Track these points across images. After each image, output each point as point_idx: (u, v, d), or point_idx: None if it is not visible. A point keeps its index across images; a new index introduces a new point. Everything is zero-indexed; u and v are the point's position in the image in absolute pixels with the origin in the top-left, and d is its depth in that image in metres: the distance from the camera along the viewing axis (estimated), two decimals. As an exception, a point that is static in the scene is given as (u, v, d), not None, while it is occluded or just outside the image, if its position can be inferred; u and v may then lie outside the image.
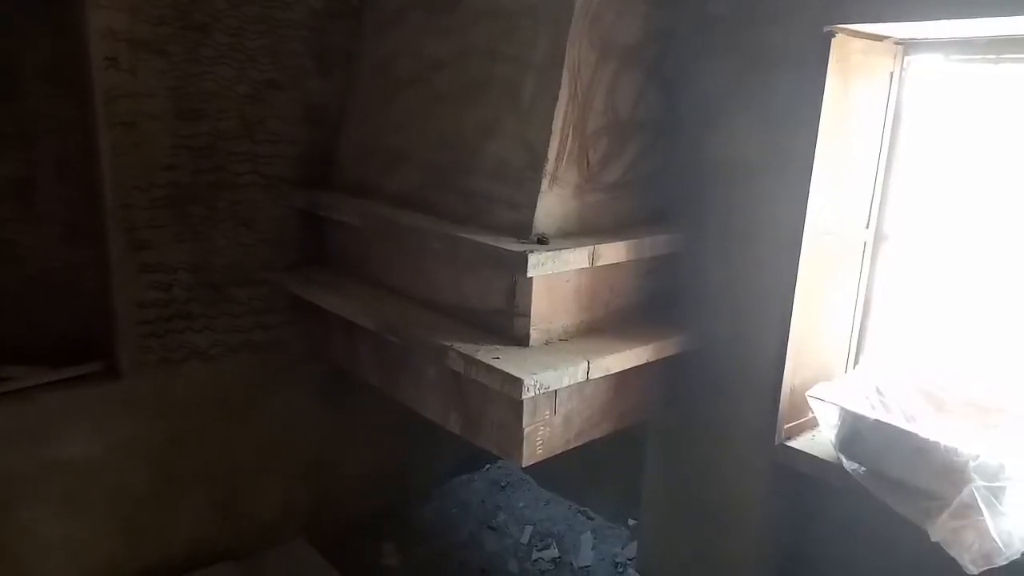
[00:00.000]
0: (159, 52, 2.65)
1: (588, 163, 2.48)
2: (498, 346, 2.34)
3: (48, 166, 2.77)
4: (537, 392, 2.17)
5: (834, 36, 2.22)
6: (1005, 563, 1.96)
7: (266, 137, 2.97)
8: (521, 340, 2.37)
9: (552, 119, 2.35)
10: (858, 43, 2.31)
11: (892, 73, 2.47)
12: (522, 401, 2.20)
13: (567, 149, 2.40)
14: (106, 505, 2.83)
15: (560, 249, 2.28)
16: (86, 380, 2.78)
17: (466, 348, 2.31)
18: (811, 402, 2.41)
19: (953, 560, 2.03)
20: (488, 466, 4.24)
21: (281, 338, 3.19)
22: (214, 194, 2.89)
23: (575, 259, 2.33)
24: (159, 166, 2.73)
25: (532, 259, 2.19)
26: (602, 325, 2.58)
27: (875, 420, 2.26)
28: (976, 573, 1.99)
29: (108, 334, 2.82)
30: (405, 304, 2.73)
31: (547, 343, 2.41)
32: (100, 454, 2.77)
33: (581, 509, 3.84)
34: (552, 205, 2.41)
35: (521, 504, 3.94)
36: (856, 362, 2.73)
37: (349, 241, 3.06)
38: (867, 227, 2.60)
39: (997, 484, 1.97)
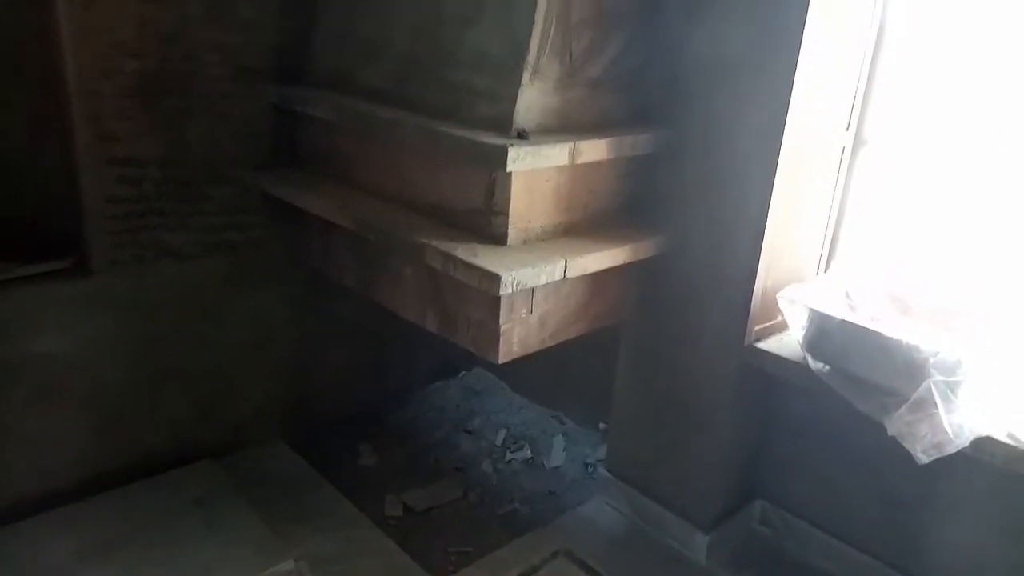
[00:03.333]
0: (120, -74, 2.49)
1: (571, 56, 2.42)
2: (476, 244, 2.33)
3: (6, 48, 2.63)
4: (514, 289, 2.18)
5: (827, -73, 2.15)
6: (953, 451, 2.06)
7: (237, 24, 2.84)
8: (499, 239, 2.36)
9: (535, 7, 2.27)
10: (851, -64, 2.25)
11: (883, -30, 2.42)
12: (499, 298, 2.22)
13: (549, 40, 2.33)
14: (81, 401, 2.82)
15: (540, 144, 2.25)
16: (56, 276, 2.72)
17: (444, 246, 2.30)
18: (781, 304, 2.45)
19: (907, 453, 2.13)
20: (463, 373, 4.31)
21: (256, 239, 3.15)
22: (183, 85, 2.78)
23: (555, 155, 2.31)
24: (125, 51, 2.61)
25: (512, 153, 2.16)
26: (580, 227, 2.58)
27: (841, 320, 2.31)
28: (926, 462, 2.09)
29: (77, 229, 2.76)
30: (382, 203, 2.70)
31: (525, 242, 2.41)
32: (73, 351, 2.75)
33: (554, 414, 3.94)
34: (533, 99, 2.36)
35: (496, 409, 4.02)
36: (828, 267, 2.77)
37: (325, 138, 2.98)
38: (847, 131, 2.59)
39: (954, 379, 2.05)
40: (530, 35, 2.28)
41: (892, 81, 2.55)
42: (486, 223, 2.39)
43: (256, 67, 2.94)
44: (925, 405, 2.07)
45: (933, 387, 2.05)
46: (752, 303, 2.54)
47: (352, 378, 3.78)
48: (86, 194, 2.67)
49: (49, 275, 2.73)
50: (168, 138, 2.80)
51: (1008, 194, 2.40)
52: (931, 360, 2.07)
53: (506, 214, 2.33)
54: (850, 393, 2.29)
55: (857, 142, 2.62)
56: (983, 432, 2.06)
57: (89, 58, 2.54)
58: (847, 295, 2.54)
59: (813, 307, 2.38)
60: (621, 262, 2.53)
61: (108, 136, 2.66)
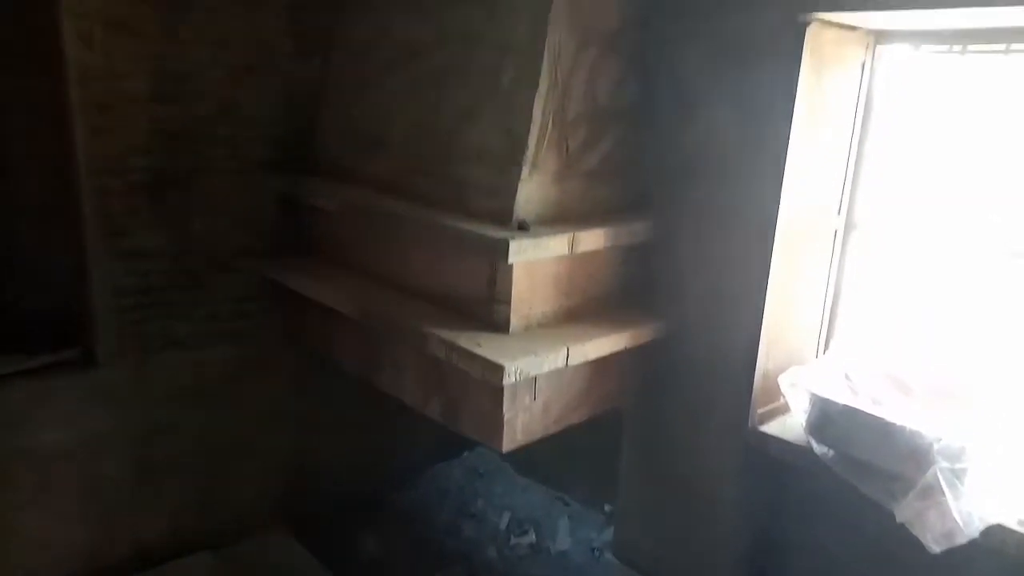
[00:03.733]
0: (134, 32, 2.61)
1: (568, 150, 2.50)
2: (479, 332, 2.36)
3: (19, 144, 2.72)
4: (518, 379, 2.19)
5: (808, 25, 2.26)
6: (965, 542, 2.03)
7: (244, 121, 2.95)
8: (501, 326, 2.39)
9: (532, 106, 2.37)
10: (831, 33, 2.35)
11: (864, 63, 2.52)
12: (503, 388, 2.23)
13: (547, 136, 2.42)
14: (81, 495, 2.80)
15: (540, 236, 2.31)
16: (62, 368, 2.75)
17: (447, 334, 2.33)
18: (782, 387, 2.46)
19: (916, 539, 2.10)
20: (466, 453, 4.27)
21: (259, 325, 3.18)
22: (191, 179, 2.86)
23: (555, 246, 2.36)
24: (136, 150, 2.70)
25: (513, 246, 2.21)
26: (581, 311, 2.61)
27: (844, 405, 2.32)
28: (938, 552, 2.07)
29: (85, 320, 2.79)
30: (384, 290, 2.74)
31: (527, 329, 2.43)
32: (75, 444, 2.75)
33: (558, 495, 3.89)
34: (532, 192, 2.43)
35: (499, 491, 3.97)
36: (827, 348, 2.79)
37: (328, 226, 3.05)
38: (838, 215, 2.66)
39: (959, 466, 2.04)
40: (529, 131, 2.37)
41: (879, 165, 2.63)
42: (489, 311, 2.42)
43: (262, 160, 3.04)
44: (932, 492, 2.06)
45: (939, 474, 2.04)
46: (754, 386, 2.54)
47: (354, 461, 3.75)
48: (94, 287, 2.72)
49: (54, 367, 2.74)
50: (175, 230, 2.87)
51: (999, 273, 2.45)
52: (935, 446, 2.06)
53: (508, 302, 2.37)
54: (856, 478, 2.27)
55: (849, 225, 2.68)
56: (994, 520, 2.04)
57: (101, 158, 2.63)
58: (847, 376, 2.55)
59: (815, 391, 2.39)
60: (622, 347, 2.55)
61: (117, 231, 2.73)
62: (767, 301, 2.48)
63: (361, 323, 2.66)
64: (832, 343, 2.79)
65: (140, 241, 2.79)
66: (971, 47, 2.29)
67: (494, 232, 2.28)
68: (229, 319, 3.09)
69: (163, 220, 2.83)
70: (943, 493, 2.02)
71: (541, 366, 2.27)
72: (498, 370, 2.15)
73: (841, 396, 2.38)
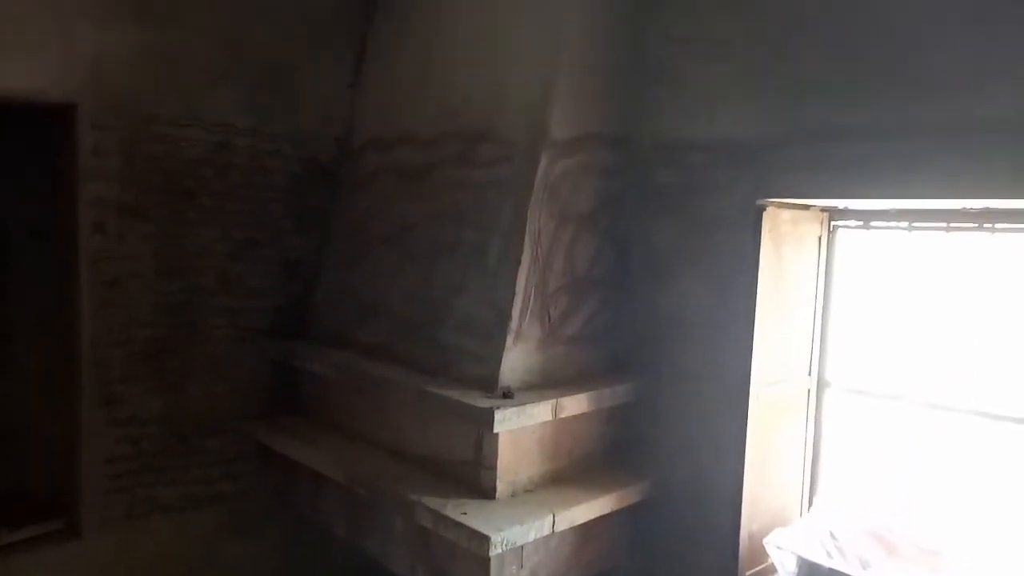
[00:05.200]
0: (145, 217, 2.82)
1: (549, 319, 2.65)
2: (465, 499, 2.40)
3: (29, 318, 2.85)
4: (504, 548, 2.22)
5: (765, 209, 2.49)
6: None
7: (244, 291, 3.11)
8: (487, 492, 2.43)
9: (516, 280, 2.54)
10: (787, 213, 2.58)
11: (820, 237, 2.74)
12: (489, 558, 2.24)
13: (530, 307, 2.58)
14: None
15: (525, 404, 2.40)
16: (46, 540, 2.73)
17: (434, 503, 2.37)
18: (768, 549, 2.48)
19: None
20: (455, 613, 4.11)
21: (248, 488, 3.19)
22: (189, 347, 2.98)
23: (539, 413, 2.45)
24: (138, 323, 2.83)
25: (499, 415, 2.30)
26: (566, 474, 2.66)
27: (830, 569, 2.33)
28: None
29: (72, 490, 2.80)
30: (373, 453, 2.79)
31: (513, 495, 2.47)
32: (56, 617, 2.68)
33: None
34: (516, 359, 2.55)
35: (489, 655, 3.80)
36: (810, 505, 2.83)
37: (321, 390, 3.14)
38: (809, 375, 2.78)
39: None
40: (512, 303, 2.53)
41: (845, 328, 2.79)
42: (475, 476, 2.47)
43: (259, 327, 3.17)
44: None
45: (928, 643, 2.03)
46: (740, 549, 2.56)
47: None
48: (85, 458, 2.75)
49: (39, 538, 2.72)
50: (170, 397, 2.95)
51: (969, 431, 2.54)
52: (921, 613, 2.07)
53: (494, 468, 2.43)
54: (847, 643, 2.25)
55: (821, 384, 2.80)
56: None
57: (105, 331, 2.75)
58: (832, 535, 2.58)
59: (801, 554, 2.40)
60: (608, 510, 2.59)
61: (113, 399, 2.80)
62: (746, 460, 2.55)
63: (349, 487, 2.69)
64: (815, 500, 2.82)
65: (135, 409, 2.86)
66: (916, 224, 2.51)
67: (480, 401, 2.38)
68: (217, 481, 3.11)
69: (159, 388, 2.91)
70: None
71: (527, 534, 2.30)
72: (484, 541, 2.18)
73: (827, 558, 2.40)
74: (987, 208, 2.26)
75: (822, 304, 2.77)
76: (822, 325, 2.79)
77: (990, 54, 2.00)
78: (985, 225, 2.33)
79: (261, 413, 3.19)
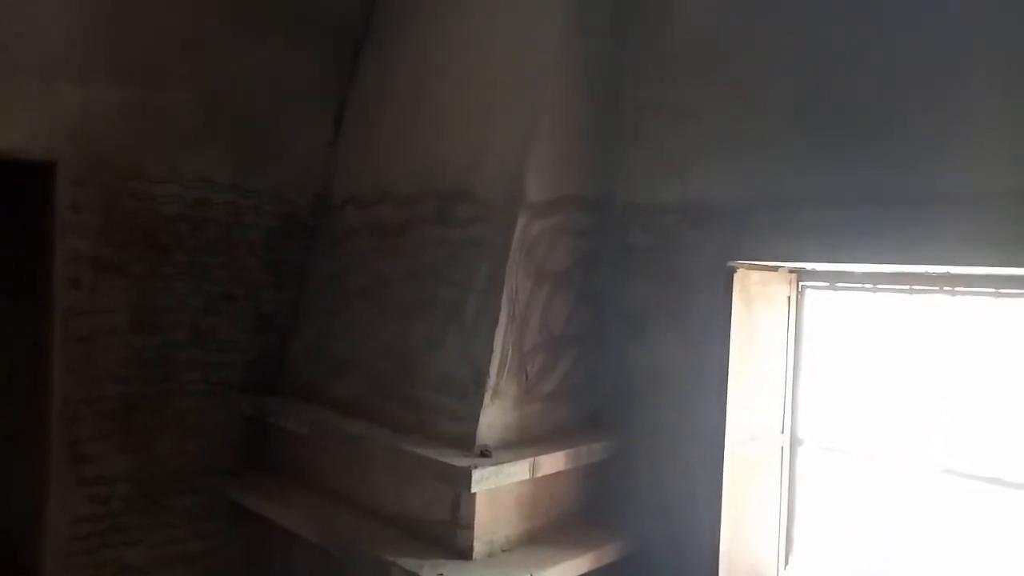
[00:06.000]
0: (121, 272, 2.80)
1: (527, 376, 2.67)
2: (442, 560, 2.38)
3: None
4: (481, 614, 2.20)
5: (735, 270, 2.56)
6: None
7: (217, 345, 3.08)
8: (464, 553, 2.41)
9: (493, 337, 2.56)
10: (756, 274, 2.65)
11: (790, 296, 2.81)
12: (466, 625, 2.22)
13: (507, 364, 2.60)
14: None
15: (502, 463, 2.40)
16: (4, 605, 2.63)
17: (410, 564, 2.34)
18: (746, 609, 2.48)
19: None
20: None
21: (219, 548, 3.11)
22: (161, 403, 2.94)
23: (517, 471, 2.45)
24: (110, 379, 2.79)
25: (476, 475, 2.29)
26: (543, 532, 2.65)
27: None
28: None
29: (35, 550, 2.72)
30: (348, 512, 2.75)
31: (490, 555, 2.46)
32: None
33: None
34: (494, 417, 2.56)
35: None
36: (786, 562, 2.84)
37: (294, 446, 3.10)
38: (783, 432, 2.82)
39: None
40: (490, 362, 2.55)
41: (817, 387, 2.85)
42: (452, 536, 2.45)
43: (232, 382, 3.14)
44: None
45: None
46: (718, 608, 2.56)
47: None
48: (50, 518, 2.68)
49: (-4, 606, 2.64)
50: (140, 455, 2.89)
51: (940, 489, 2.59)
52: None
53: (471, 528, 2.41)
54: None
55: (794, 442, 2.84)
56: None
57: (76, 387, 2.71)
58: (808, 594, 2.59)
59: (776, 614, 2.41)
60: (586, 570, 2.57)
61: (82, 458, 2.74)
62: (722, 518, 2.57)
63: (323, 548, 2.65)
64: (791, 558, 2.84)
65: (104, 467, 2.80)
66: (880, 286, 2.59)
67: (458, 460, 2.38)
68: (187, 541, 3.03)
69: (129, 445, 2.86)
70: None
71: (505, 600, 2.28)
72: (461, 608, 2.16)
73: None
74: (947, 272, 2.35)
75: (793, 362, 2.83)
76: (794, 383, 2.84)
77: (947, 132, 2.11)
78: (946, 288, 2.42)
79: (232, 469, 3.14)
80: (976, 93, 2.09)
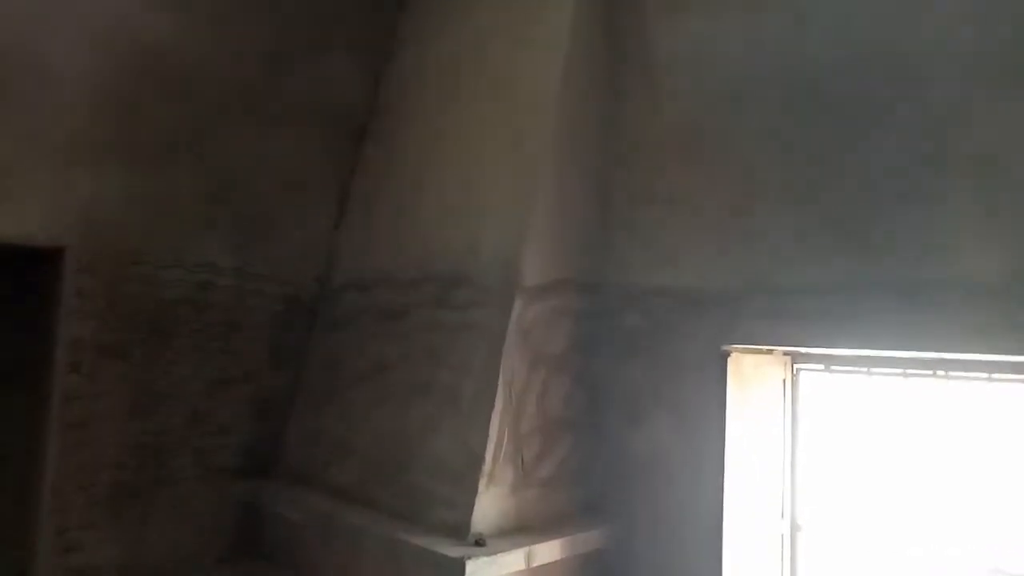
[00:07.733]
0: (121, 356, 2.82)
1: (523, 461, 2.65)
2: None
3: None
4: None
5: (729, 354, 2.58)
6: None
7: (213, 429, 3.07)
8: (462, 649, 2.34)
9: (490, 422, 2.56)
10: (751, 357, 2.67)
11: (784, 379, 2.82)
12: None
13: (503, 449, 2.58)
14: None
15: (496, 553, 2.36)
16: None
17: (402, 660, 2.27)
18: None
19: None
20: None
21: (205, 641, 3.02)
22: (153, 489, 2.90)
23: (512, 561, 2.40)
24: (103, 465, 2.77)
25: (469, 566, 2.25)
26: (540, 625, 2.57)
27: None
28: None
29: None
30: (341, 603, 2.69)
31: (486, 653, 2.38)
32: None
33: None
34: (489, 504, 2.53)
35: None
36: (792, 657, 2.74)
37: (288, 532, 3.04)
38: (782, 518, 2.78)
39: None
40: (486, 446, 2.54)
41: (815, 471, 2.82)
42: (447, 629, 2.38)
43: (227, 466, 3.11)
44: None
45: None
46: None
47: None
48: (34, 611, 2.62)
49: None
50: (129, 542, 2.84)
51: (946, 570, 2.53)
52: None
53: (466, 623, 2.35)
54: None
55: (794, 527, 2.79)
56: None
57: (68, 475, 2.68)
58: None
59: None
60: (584, 667, 2.49)
61: (71, 547, 2.69)
62: (724, 610, 2.50)
63: (314, 642, 2.57)
64: (796, 651, 2.75)
65: (92, 557, 2.74)
66: (874, 370, 2.60)
67: (451, 550, 2.34)
68: (172, 635, 2.94)
69: (119, 533, 2.81)
70: None
71: None
72: None
73: None
74: (940, 358, 2.37)
75: (790, 445, 2.81)
76: (792, 467, 2.81)
77: (932, 226, 2.17)
78: (939, 373, 2.43)
79: (223, 557, 3.07)
80: (951, 185, 2.16)
